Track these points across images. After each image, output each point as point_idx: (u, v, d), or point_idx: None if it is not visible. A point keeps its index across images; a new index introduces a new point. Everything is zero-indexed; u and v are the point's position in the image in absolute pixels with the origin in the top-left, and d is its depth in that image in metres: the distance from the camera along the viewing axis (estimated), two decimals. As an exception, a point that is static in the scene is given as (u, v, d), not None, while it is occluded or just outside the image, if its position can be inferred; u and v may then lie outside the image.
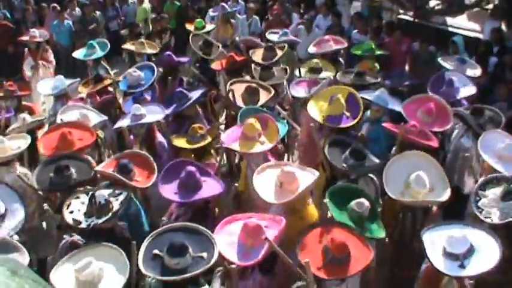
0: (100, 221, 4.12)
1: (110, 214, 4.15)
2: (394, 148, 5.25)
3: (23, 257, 3.83)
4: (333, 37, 8.15)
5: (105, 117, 6.11)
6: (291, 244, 3.92)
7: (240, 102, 6.11)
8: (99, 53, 7.97)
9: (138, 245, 3.70)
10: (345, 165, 4.79)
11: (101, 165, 4.91)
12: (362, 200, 4.18)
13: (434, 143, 5.20)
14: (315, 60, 7.43)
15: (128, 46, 8.58)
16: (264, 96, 6.14)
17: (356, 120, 5.52)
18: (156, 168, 4.88)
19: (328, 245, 3.75)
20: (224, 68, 7.29)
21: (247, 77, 7.00)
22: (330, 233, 3.91)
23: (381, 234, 4.18)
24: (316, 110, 5.63)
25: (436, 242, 3.76)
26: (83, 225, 4.12)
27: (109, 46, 8.18)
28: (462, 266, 3.56)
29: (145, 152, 5.24)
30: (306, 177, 4.46)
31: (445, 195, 4.46)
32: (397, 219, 4.68)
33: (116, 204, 4.24)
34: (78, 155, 5.09)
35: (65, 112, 6.02)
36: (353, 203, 4.17)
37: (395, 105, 5.91)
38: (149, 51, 8.31)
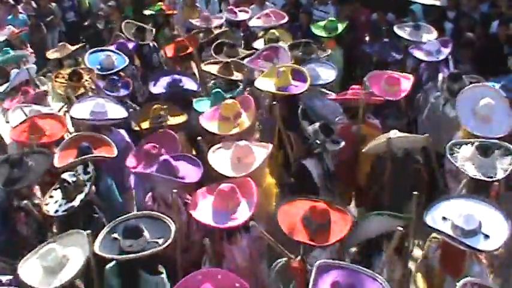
0: (84, 194, 4.15)
1: (87, 186, 4.20)
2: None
3: None
4: (275, 11, 8.20)
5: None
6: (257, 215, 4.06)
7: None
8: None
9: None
10: (318, 141, 4.73)
11: (56, 159, 4.78)
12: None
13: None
14: (272, 30, 7.36)
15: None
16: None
17: (306, 87, 5.61)
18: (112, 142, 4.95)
19: (307, 214, 3.75)
20: (174, 54, 7.12)
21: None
22: (306, 204, 3.90)
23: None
24: (265, 84, 5.72)
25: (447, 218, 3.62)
26: (75, 204, 4.11)
27: None
28: (487, 237, 3.46)
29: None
30: (261, 150, 4.61)
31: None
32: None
33: (85, 178, 4.28)
34: (43, 150, 4.95)
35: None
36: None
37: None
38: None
